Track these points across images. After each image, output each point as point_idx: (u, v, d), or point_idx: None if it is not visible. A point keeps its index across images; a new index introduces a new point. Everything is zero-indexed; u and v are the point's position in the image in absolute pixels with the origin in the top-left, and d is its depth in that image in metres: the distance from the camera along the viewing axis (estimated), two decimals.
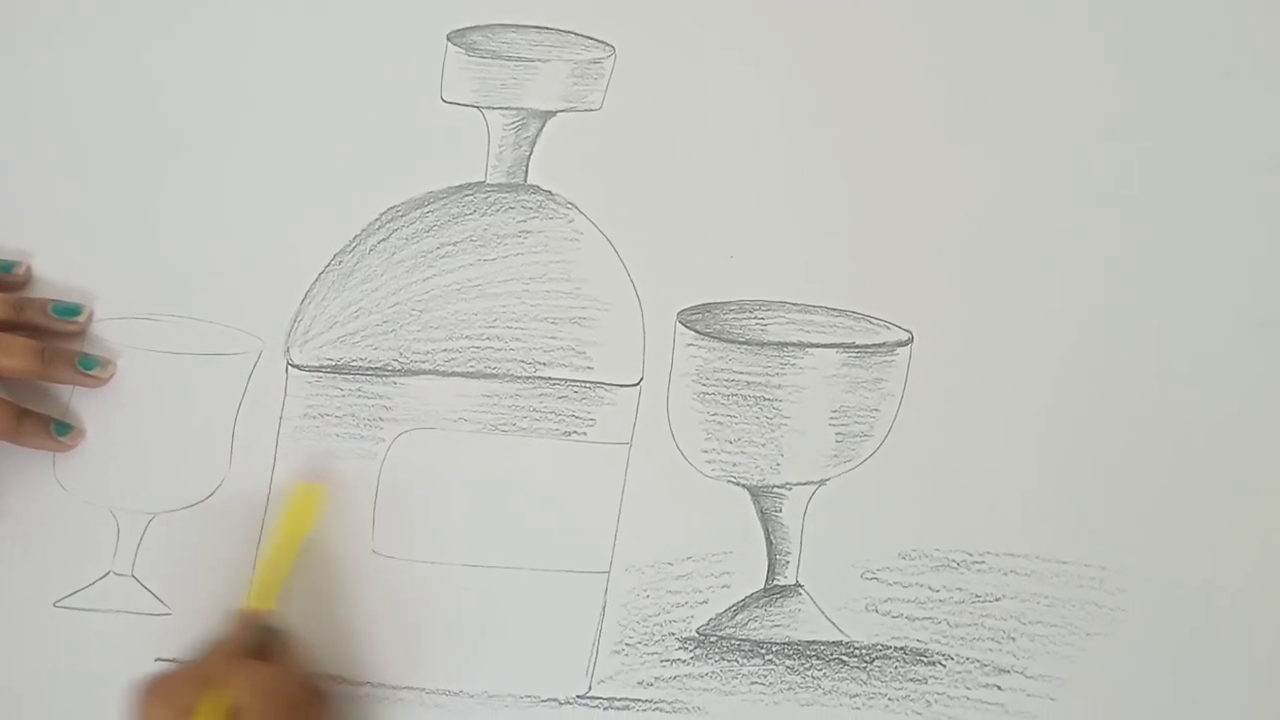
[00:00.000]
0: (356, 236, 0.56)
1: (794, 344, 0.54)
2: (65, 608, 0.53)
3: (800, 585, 0.52)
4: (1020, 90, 0.56)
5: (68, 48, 0.59)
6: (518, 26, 0.58)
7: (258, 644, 0.50)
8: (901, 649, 0.51)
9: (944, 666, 0.50)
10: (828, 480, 0.53)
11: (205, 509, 0.54)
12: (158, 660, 0.53)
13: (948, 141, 0.56)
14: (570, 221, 0.56)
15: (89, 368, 0.54)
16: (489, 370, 0.55)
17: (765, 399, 0.53)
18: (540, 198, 0.56)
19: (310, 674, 0.50)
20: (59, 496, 0.54)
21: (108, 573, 0.54)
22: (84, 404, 0.55)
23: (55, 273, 0.57)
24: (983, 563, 0.51)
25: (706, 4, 0.58)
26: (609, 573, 0.52)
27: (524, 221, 0.56)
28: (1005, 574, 0.51)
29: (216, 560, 0.53)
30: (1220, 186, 0.55)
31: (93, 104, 0.59)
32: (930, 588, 0.51)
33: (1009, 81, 0.57)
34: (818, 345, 0.54)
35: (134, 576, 0.54)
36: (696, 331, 0.54)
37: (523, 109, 0.57)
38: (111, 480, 0.54)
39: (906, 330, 0.54)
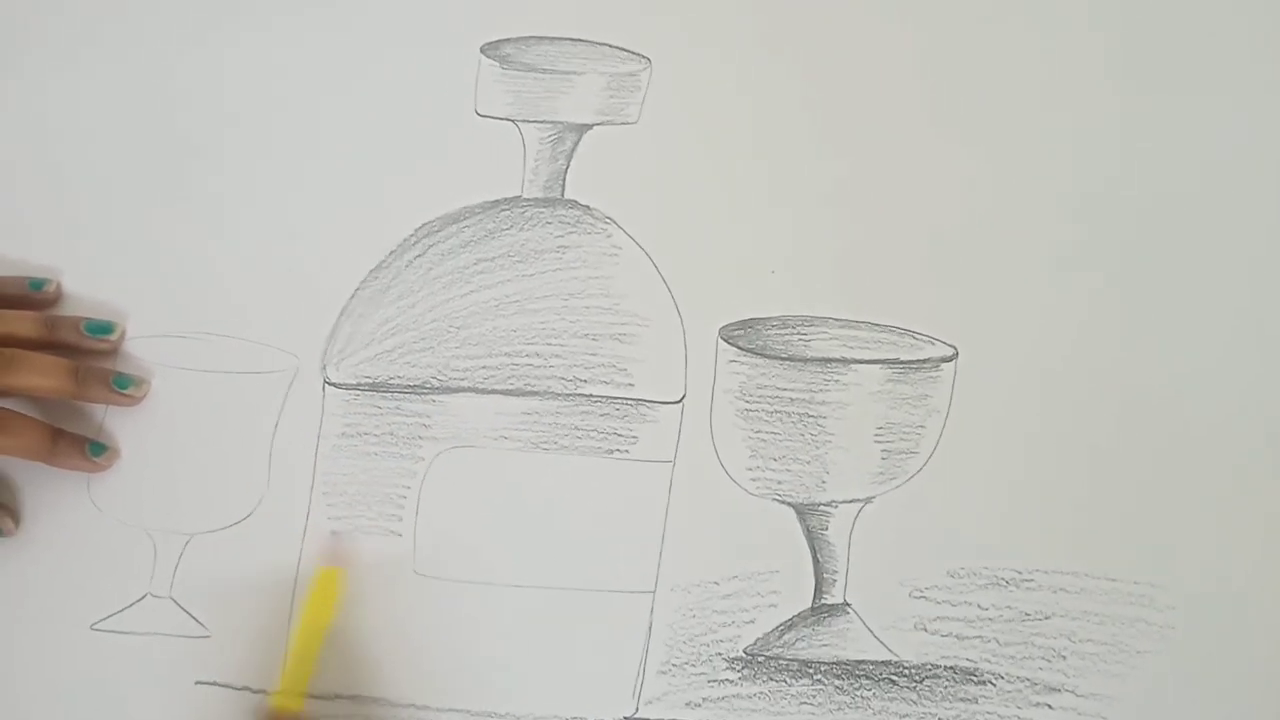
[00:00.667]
0: (392, 252, 0.56)
1: (837, 360, 0.53)
2: (103, 630, 0.53)
3: (848, 604, 0.51)
4: (1068, 106, 0.56)
5: (100, 64, 0.59)
6: (553, 39, 0.58)
7: None
8: (951, 668, 0.51)
9: (994, 686, 0.50)
10: (874, 498, 0.52)
11: (243, 529, 0.54)
12: (198, 683, 0.52)
13: (992, 155, 0.55)
14: (609, 236, 0.56)
15: (123, 387, 0.54)
16: (529, 388, 0.54)
17: (809, 416, 0.53)
18: (578, 212, 0.56)
19: None
20: (94, 518, 0.54)
21: (145, 595, 0.53)
22: (119, 424, 0.55)
23: (89, 290, 0.56)
24: (1032, 580, 0.51)
25: (743, 16, 0.58)
26: (654, 592, 0.52)
27: (562, 236, 0.56)
28: (1055, 592, 0.51)
29: (256, 581, 0.53)
30: (1264, 204, 0.55)
31: (126, 121, 0.58)
32: (979, 606, 0.51)
33: (1055, 96, 0.56)
34: (862, 361, 0.53)
35: (172, 598, 0.53)
36: (739, 348, 0.54)
37: (559, 122, 0.57)
38: (147, 501, 0.54)
39: (951, 345, 0.53)
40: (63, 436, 0.53)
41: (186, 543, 0.54)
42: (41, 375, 0.52)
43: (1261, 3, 0.57)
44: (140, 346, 0.55)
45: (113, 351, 0.55)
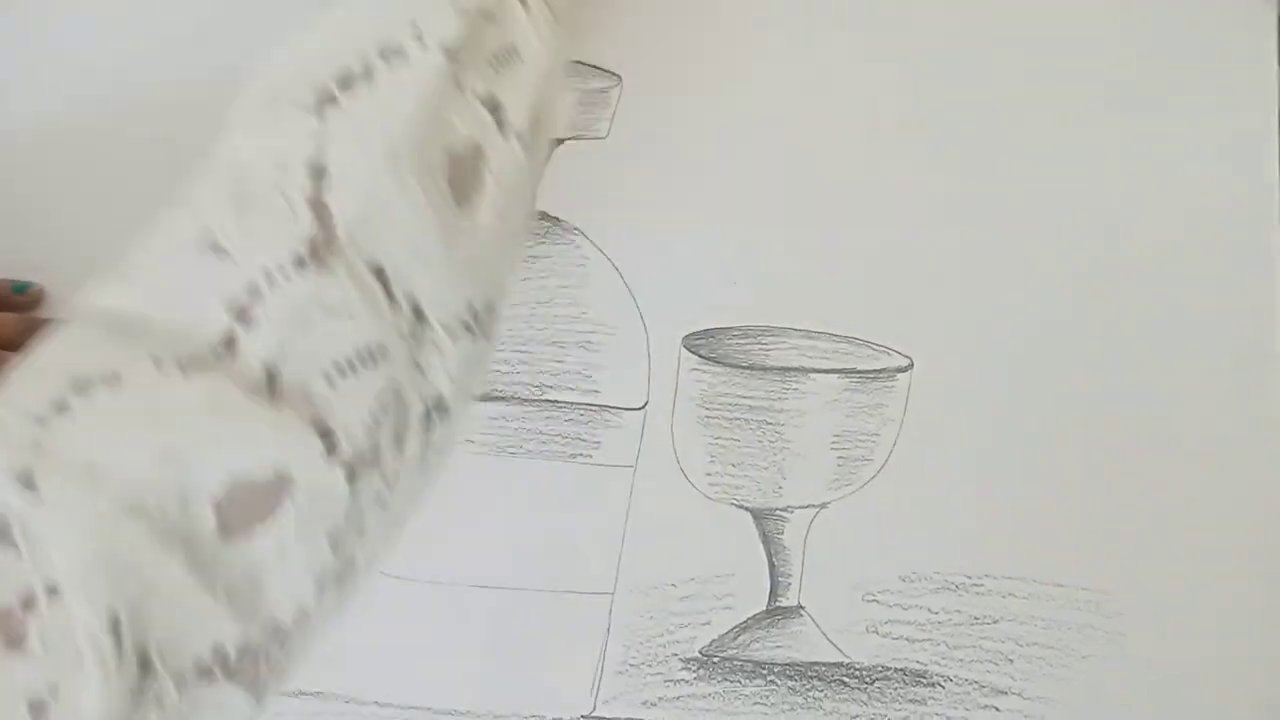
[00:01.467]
0: None
1: (796, 369, 0.55)
2: None
3: (802, 607, 0.52)
4: (1023, 119, 0.57)
5: (114, 57, 0.60)
6: None
7: None
8: (901, 670, 0.51)
9: (943, 688, 0.51)
10: (829, 503, 0.53)
11: None
12: None
13: (948, 171, 0.57)
14: (576, 247, 0.57)
15: (20, 290, 0.56)
16: (495, 393, 0.55)
17: (768, 423, 0.54)
18: (547, 224, 0.57)
19: None
20: None
21: None
22: None
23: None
24: (981, 585, 0.52)
25: (711, 37, 0.59)
26: (613, 594, 0.53)
27: (531, 247, 0.57)
28: (1004, 597, 0.52)
29: None
30: (1227, 222, 0.56)
31: (145, 116, 0.59)
32: (930, 610, 0.52)
33: (1011, 110, 0.57)
34: (820, 370, 0.54)
35: None
36: (701, 356, 0.55)
37: None
38: None
39: (907, 356, 0.54)
40: None
41: None
42: None
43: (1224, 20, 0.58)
44: None
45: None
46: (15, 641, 0.30)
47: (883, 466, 0.53)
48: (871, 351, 0.55)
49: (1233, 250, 0.55)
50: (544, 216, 0.57)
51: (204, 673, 0.32)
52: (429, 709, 0.52)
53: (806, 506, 0.53)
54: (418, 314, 0.36)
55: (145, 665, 0.31)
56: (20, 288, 0.57)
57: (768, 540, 0.53)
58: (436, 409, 0.37)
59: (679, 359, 0.55)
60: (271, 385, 0.34)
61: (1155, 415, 0.53)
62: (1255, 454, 0.53)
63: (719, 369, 0.55)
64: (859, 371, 0.54)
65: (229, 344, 0.34)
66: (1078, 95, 0.58)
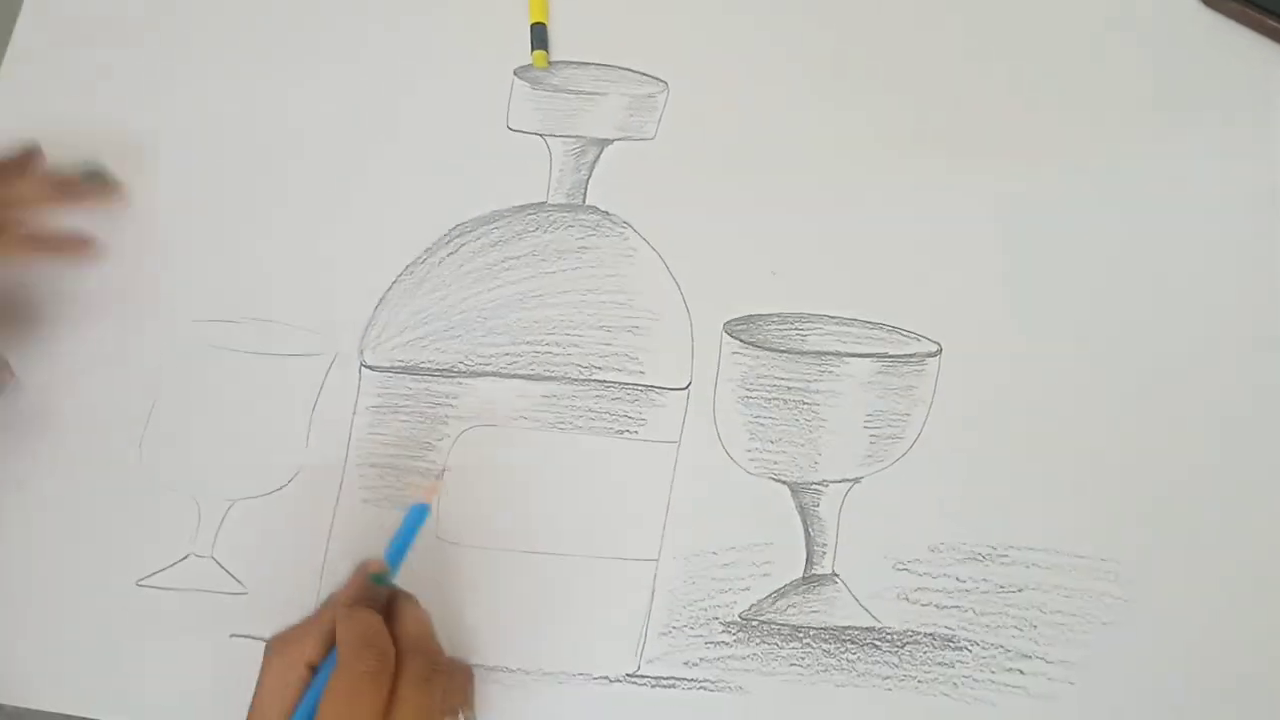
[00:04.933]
0: (428, 249, 0.61)
1: (832, 353, 0.58)
2: (148, 586, 0.57)
3: (836, 575, 0.55)
4: (1049, 108, 0.61)
5: (185, 81, 0.65)
6: (579, 63, 0.64)
7: (374, 596, 0.51)
8: (931, 635, 0.54)
9: (970, 652, 0.54)
10: (862, 478, 0.56)
11: (282, 496, 0.58)
12: (233, 636, 0.56)
13: (978, 163, 0.60)
14: (625, 239, 0.61)
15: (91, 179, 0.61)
16: (548, 373, 0.59)
17: (804, 403, 0.57)
18: (598, 217, 0.61)
19: (419, 627, 0.50)
20: (144, 483, 0.58)
21: (188, 554, 0.57)
22: (172, 398, 0.59)
23: (159, 280, 0.61)
24: (1006, 556, 0.55)
25: (751, 45, 0.63)
26: (658, 561, 0.56)
27: (582, 239, 0.61)
28: (1027, 566, 0.54)
29: (291, 543, 0.57)
30: (1237, 213, 0.59)
31: (195, 129, 0.64)
32: (958, 578, 0.55)
33: (1039, 98, 0.61)
34: (854, 355, 0.58)
35: (213, 558, 0.57)
36: (741, 340, 0.58)
37: (582, 137, 0.62)
38: (195, 468, 0.58)
39: (936, 342, 0.58)
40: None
41: (229, 507, 0.58)
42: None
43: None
44: (197, 330, 0.60)
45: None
46: None
47: (913, 445, 0.56)
48: (902, 338, 0.58)
49: (1244, 239, 0.58)
50: (595, 210, 0.61)
51: None
52: (483, 666, 0.55)
53: (841, 481, 0.56)
54: None
55: None
56: (91, 175, 0.61)
57: (804, 512, 0.56)
58: None
59: (721, 343, 0.58)
60: None
61: (1171, 397, 0.56)
62: (1268, 432, 0.56)
63: (759, 352, 0.58)
64: (891, 356, 0.58)
65: None
66: (1099, 96, 0.61)
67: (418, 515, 0.53)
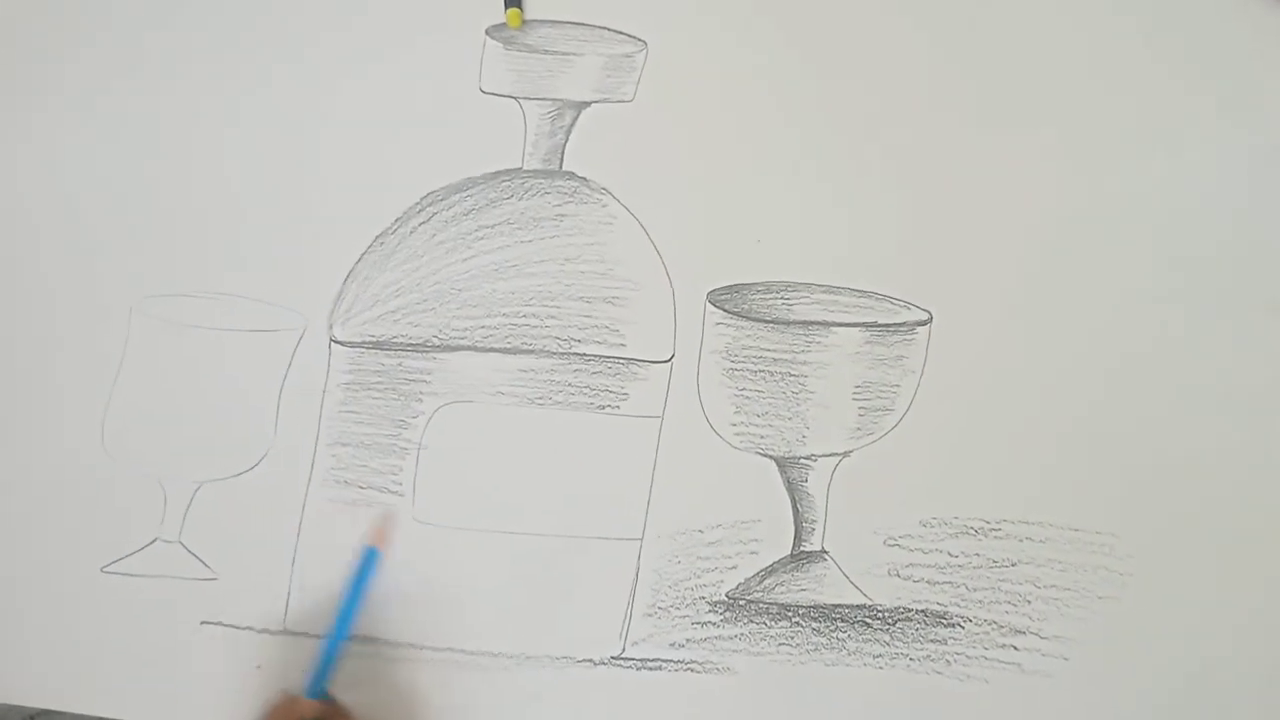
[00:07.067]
0: (398, 219, 0.59)
1: (819, 323, 0.56)
2: (113, 573, 0.55)
3: (826, 551, 0.54)
4: (1039, 79, 0.59)
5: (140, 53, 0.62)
6: (554, 22, 0.61)
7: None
8: (922, 611, 0.53)
9: (963, 628, 0.53)
10: (851, 452, 0.55)
11: (250, 477, 0.56)
12: (203, 623, 0.54)
13: (965, 129, 0.58)
14: (604, 206, 0.59)
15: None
16: (525, 346, 0.57)
17: (791, 375, 0.56)
18: (575, 183, 0.59)
19: None
20: (107, 466, 0.56)
21: (155, 539, 0.56)
22: (133, 377, 0.57)
23: (111, 252, 0.59)
24: (999, 530, 0.53)
25: (733, 2, 0.61)
26: (642, 540, 0.54)
27: (559, 206, 0.59)
28: (1021, 541, 0.53)
29: (261, 526, 0.55)
30: (1237, 176, 0.58)
31: (159, 96, 0.61)
32: (950, 554, 0.53)
33: (1028, 70, 0.59)
34: (841, 324, 0.56)
35: (181, 543, 0.56)
36: (725, 310, 0.56)
37: (558, 99, 0.60)
38: (160, 450, 0.56)
39: (926, 311, 0.56)
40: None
41: (196, 490, 0.56)
42: None
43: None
44: (156, 305, 0.58)
45: None
46: None
47: (903, 417, 0.55)
48: (892, 306, 0.56)
49: (1247, 203, 0.57)
50: (572, 176, 0.59)
51: None
52: (463, 650, 0.53)
53: (829, 455, 0.55)
54: None
55: None
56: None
57: (792, 488, 0.55)
58: None
59: (704, 313, 0.57)
60: None
61: (1171, 365, 0.55)
62: (1264, 406, 0.54)
63: (743, 323, 0.56)
64: (880, 325, 0.56)
65: None
66: (1091, 54, 0.59)
67: (369, 560, 0.53)
